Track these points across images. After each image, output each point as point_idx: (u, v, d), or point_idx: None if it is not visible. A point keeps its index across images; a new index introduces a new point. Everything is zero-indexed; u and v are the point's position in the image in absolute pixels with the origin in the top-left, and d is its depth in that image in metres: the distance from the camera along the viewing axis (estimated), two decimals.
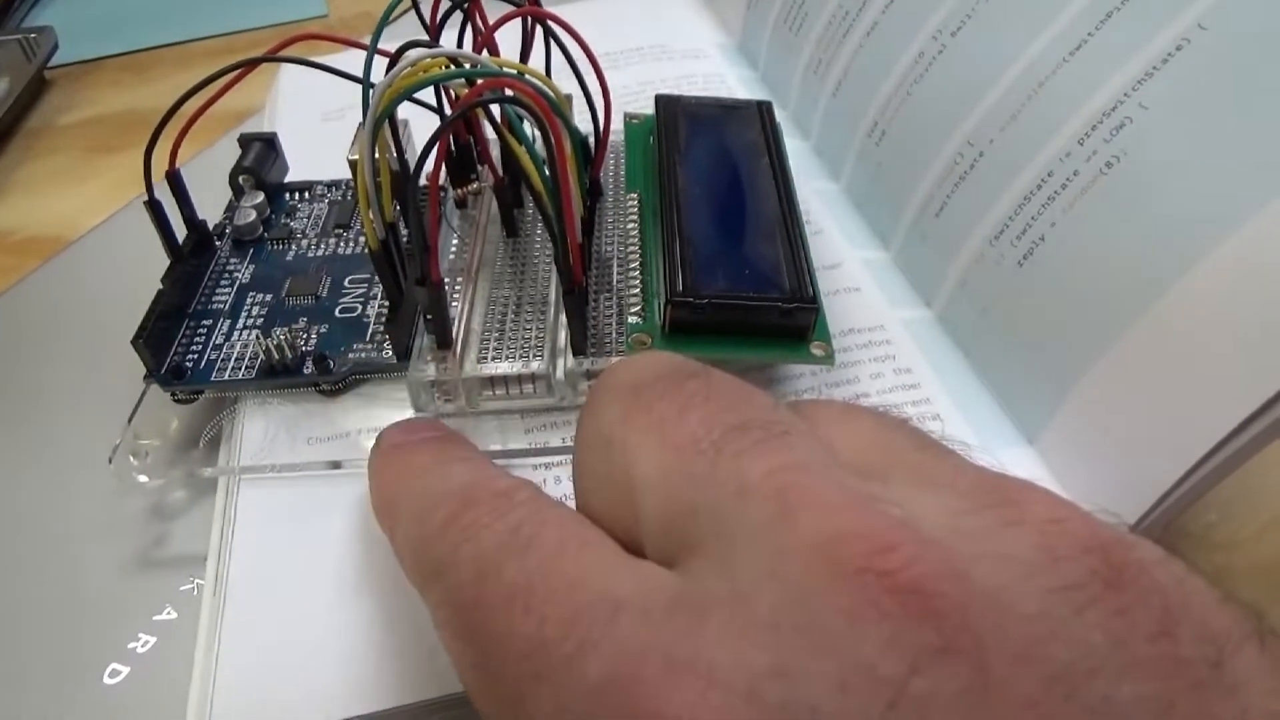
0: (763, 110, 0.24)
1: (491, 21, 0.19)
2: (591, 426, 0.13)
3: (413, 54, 0.17)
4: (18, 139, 0.36)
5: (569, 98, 0.22)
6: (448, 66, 0.18)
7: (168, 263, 0.22)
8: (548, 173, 0.18)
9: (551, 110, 0.17)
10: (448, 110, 0.22)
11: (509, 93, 0.17)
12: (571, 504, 0.13)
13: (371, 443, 0.20)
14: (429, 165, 0.18)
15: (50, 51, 0.38)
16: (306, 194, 0.25)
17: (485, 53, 0.19)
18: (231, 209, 0.24)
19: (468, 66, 0.18)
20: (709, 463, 0.10)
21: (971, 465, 0.11)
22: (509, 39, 0.21)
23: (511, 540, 0.11)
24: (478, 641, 0.11)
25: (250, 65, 0.20)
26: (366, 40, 0.19)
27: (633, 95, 0.30)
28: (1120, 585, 0.09)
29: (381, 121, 0.17)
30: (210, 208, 0.24)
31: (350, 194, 0.25)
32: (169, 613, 0.18)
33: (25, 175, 0.34)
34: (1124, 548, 0.09)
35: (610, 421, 0.12)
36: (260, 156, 0.25)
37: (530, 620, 0.10)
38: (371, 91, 0.18)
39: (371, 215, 0.18)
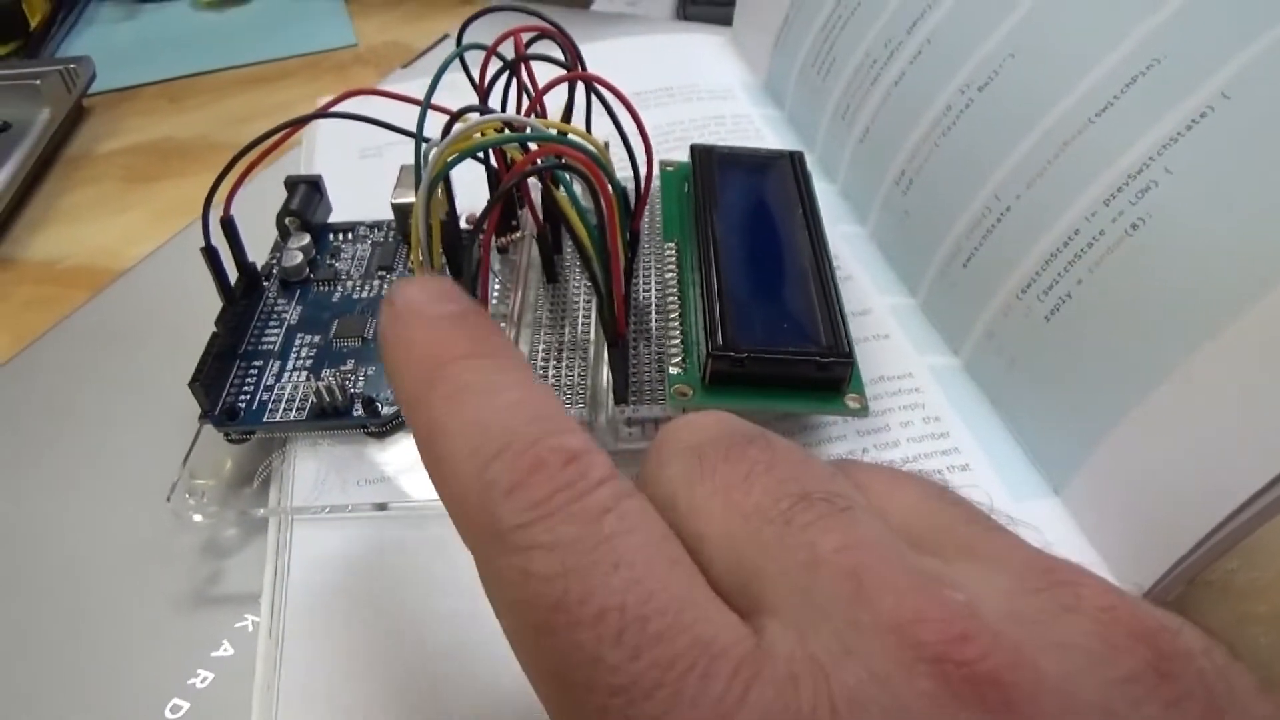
0: (795, 161, 0.24)
1: (540, 83, 0.20)
2: (651, 484, 0.13)
3: (469, 118, 0.18)
4: (59, 167, 0.36)
5: (606, 144, 0.22)
6: (500, 129, 0.19)
7: (215, 297, 0.23)
8: (593, 221, 0.18)
9: (601, 173, 0.18)
10: (493, 160, 0.23)
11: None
12: None
13: (418, 488, 0.21)
14: (466, 208, 0.18)
15: (89, 81, 0.39)
16: (350, 235, 0.26)
17: (534, 114, 0.20)
18: (278, 250, 0.25)
19: (519, 130, 0.18)
20: (777, 532, 0.11)
21: (1020, 542, 0.12)
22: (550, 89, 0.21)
23: (594, 538, 0.11)
24: (559, 651, 0.10)
25: (299, 123, 0.21)
26: (408, 84, 0.20)
27: (662, 135, 0.31)
28: (1171, 676, 0.09)
29: (437, 183, 0.18)
30: (253, 243, 0.25)
31: (392, 234, 0.26)
32: (226, 649, 0.19)
33: (68, 204, 0.34)
34: (1171, 636, 0.10)
35: (673, 481, 0.13)
36: (306, 199, 0.26)
37: (623, 652, 0.10)
38: (427, 148, 0.18)
39: (423, 266, 0.19)
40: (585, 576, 0.10)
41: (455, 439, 0.12)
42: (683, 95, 0.33)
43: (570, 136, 0.18)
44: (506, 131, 0.19)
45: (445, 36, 0.44)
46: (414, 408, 0.13)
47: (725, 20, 0.39)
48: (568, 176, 0.19)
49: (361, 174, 0.29)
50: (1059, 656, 0.09)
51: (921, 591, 0.10)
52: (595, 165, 0.18)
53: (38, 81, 0.36)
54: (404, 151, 0.20)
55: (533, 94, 0.20)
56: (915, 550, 0.11)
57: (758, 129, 0.32)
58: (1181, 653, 0.10)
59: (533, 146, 0.19)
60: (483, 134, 0.18)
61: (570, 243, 0.21)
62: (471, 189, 0.23)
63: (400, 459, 0.21)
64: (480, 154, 0.22)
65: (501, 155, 0.22)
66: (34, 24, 0.42)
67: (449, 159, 0.18)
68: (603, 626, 0.10)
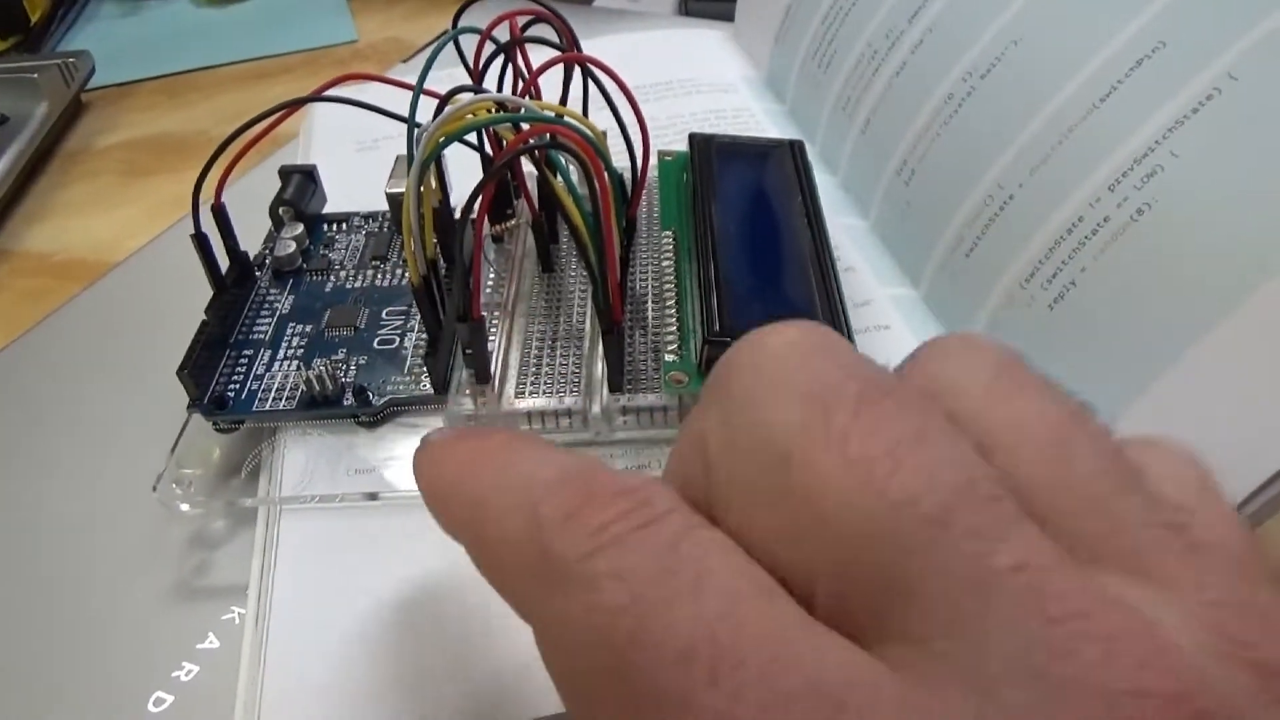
0: (795, 150, 0.24)
1: (535, 65, 0.20)
2: (751, 430, 0.10)
3: (461, 98, 0.18)
4: (56, 160, 0.36)
5: (604, 133, 0.22)
6: (492, 110, 0.18)
7: (208, 289, 0.23)
8: (589, 208, 0.18)
9: (597, 155, 0.17)
10: (487, 147, 0.22)
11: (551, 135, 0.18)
12: None
13: (408, 478, 0.20)
14: (462, 199, 0.18)
15: (87, 75, 0.39)
16: (344, 225, 0.26)
17: (528, 96, 0.20)
18: (271, 240, 0.25)
19: (513, 110, 0.18)
20: (931, 537, 0.09)
21: (1219, 571, 0.10)
22: (547, 73, 0.21)
23: (673, 564, 0.09)
24: (639, 695, 0.09)
25: (295, 105, 0.21)
26: (407, 78, 0.20)
27: (662, 128, 0.31)
28: None
29: (429, 165, 0.18)
30: (247, 234, 0.24)
31: (386, 225, 0.26)
32: (211, 641, 0.19)
33: (65, 197, 0.34)
34: None
35: (787, 433, 0.10)
36: (300, 189, 0.25)
37: (719, 695, 0.08)
38: (419, 131, 0.18)
39: (414, 251, 0.19)
40: (665, 608, 0.09)
41: (498, 502, 0.11)
42: (683, 89, 0.33)
43: (565, 118, 0.18)
44: (500, 112, 0.19)
45: (445, 33, 0.44)
46: (454, 513, 0.13)
47: (727, 15, 0.38)
48: (564, 163, 0.19)
49: (357, 166, 0.29)
50: (1265, 716, 0.08)
51: (1142, 644, 0.08)
52: (590, 146, 0.17)
53: (36, 75, 0.36)
54: (400, 145, 0.19)
55: (528, 78, 0.20)
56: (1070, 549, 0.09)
57: (759, 122, 0.31)
58: None
59: (526, 128, 0.18)
60: (475, 114, 0.18)
61: (567, 232, 0.21)
62: (467, 181, 0.22)
63: (391, 449, 0.21)
64: (474, 139, 0.22)
65: (497, 142, 0.22)
66: (34, 19, 0.42)
67: (440, 140, 0.18)
68: (693, 665, 0.09)
